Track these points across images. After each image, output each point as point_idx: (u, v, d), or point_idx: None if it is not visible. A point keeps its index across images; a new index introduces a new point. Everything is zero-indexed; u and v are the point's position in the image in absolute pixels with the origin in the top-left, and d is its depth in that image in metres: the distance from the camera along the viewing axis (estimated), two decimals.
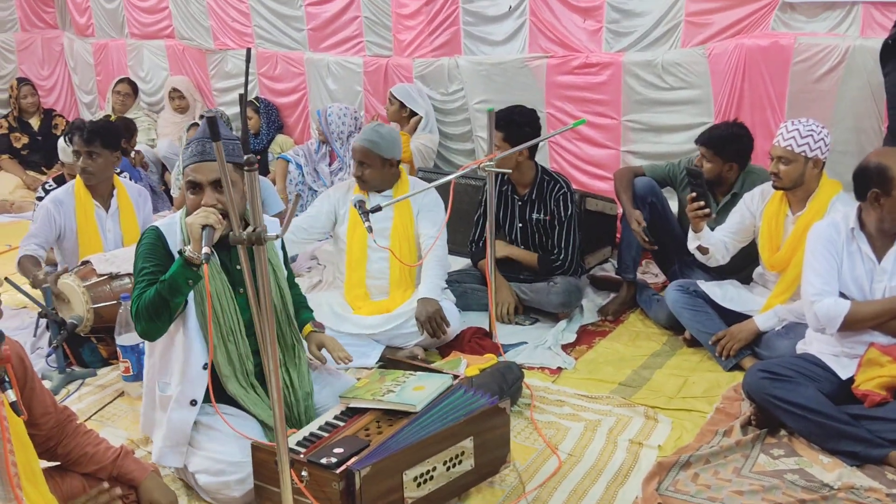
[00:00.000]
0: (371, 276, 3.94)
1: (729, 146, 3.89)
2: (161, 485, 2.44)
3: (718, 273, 3.98)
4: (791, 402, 2.90)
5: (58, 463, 2.37)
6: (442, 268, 3.93)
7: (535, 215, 4.23)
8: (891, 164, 2.89)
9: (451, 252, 4.10)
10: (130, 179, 5.07)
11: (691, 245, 3.79)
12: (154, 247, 2.72)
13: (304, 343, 3.00)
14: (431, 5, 5.58)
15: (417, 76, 5.78)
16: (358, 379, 3.06)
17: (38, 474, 2.10)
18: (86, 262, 3.80)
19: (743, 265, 3.90)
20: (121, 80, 7.20)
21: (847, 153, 4.26)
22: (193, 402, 2.70)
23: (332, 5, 6.12)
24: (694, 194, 3.62)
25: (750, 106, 4.55)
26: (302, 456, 2.45)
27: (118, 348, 3.48)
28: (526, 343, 3.93)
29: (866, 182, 2.95)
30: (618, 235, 4.80)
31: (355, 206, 3.50)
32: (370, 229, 3.39)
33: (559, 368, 3.70)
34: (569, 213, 4.17)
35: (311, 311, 3.17)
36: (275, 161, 6.10)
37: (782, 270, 3.61)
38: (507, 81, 5.33)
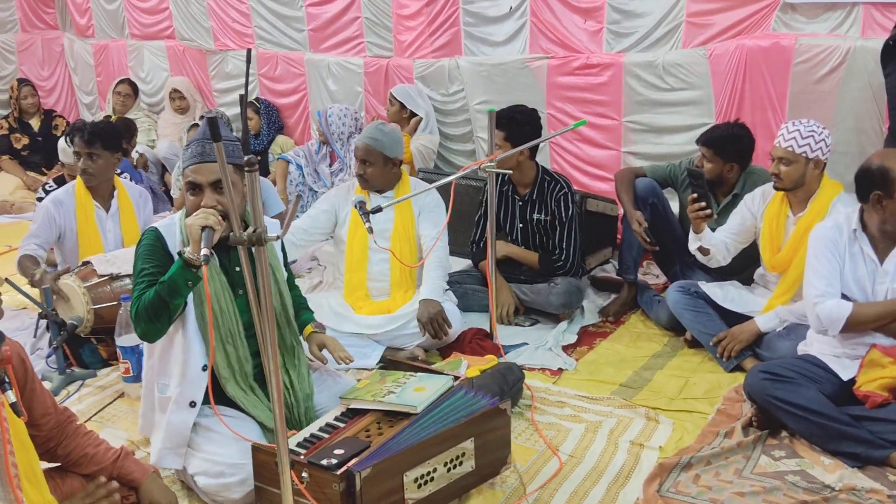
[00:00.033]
0: (372, 277, 3.94)
1: (730, 146, 3.89)
2: (161, 486, 2.44)
3: (719, 274, 3.98)
4: (792, 403, 2.90)
5: (58, 464, 2.37)
6: (443, 269, 3.93)
7: (535, 215, 4.23)
8: (893, 166, 2.88)
9: (451, 253, 4.09)
10: (131, 180, 5.06)
11: (692, 246, 3.78)
12: (153, 248, 2.72)
13: (304, 345, 2.99)
14: (432, 6, 5.58)
15: (418, 77, 5.78)
16: (358, 380, 3.06)
17: (38, 475, 2.10)
18: (86, 263, 3.80)
19: (744, 266, 3.90)
20: (121, 81, 7.20)
21: (848, 154, 4.26)
22: (192, 404, 2.70)
23: (332, 6, 6.12)
24: (695, 195, 3.61)
25: (751, 107, 4.55)
26: (302, 457, 2.45)
27: (118, 349, 3.48)
28: (527, 344, 3.93)
29: (868, 184, 2.94)
30: (619, 236, 4.80)
31: (356, 206, 3.50)
32: (371, 230, 3.39)
33: (560, 369, 3.69)
34: (570, 213, 4.17)
35: (312, 312, 3.16)
36: (275, 162, 6.10)
37: (783, 271, 3.61)
38: (508, 82, 5.33)
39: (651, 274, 4.74)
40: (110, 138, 4.06)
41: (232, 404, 2.74)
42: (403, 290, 3.92)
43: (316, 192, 5.70)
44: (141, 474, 2.38)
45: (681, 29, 4.76)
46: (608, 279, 4.67)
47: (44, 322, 3.85)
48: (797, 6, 4.41)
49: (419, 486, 2.49)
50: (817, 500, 2.62)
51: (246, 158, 2.02)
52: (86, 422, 3.06)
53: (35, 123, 7.47)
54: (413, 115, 5.69)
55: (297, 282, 3.28)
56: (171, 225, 2.78)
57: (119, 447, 2.42)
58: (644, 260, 4.53)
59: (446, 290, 3.97)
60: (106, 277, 3.72)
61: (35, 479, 2.07)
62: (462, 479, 2.63)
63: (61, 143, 5.01)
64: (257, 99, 6.55)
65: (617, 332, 4.09)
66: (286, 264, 3.06)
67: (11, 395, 1.99)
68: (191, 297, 2.65)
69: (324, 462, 2.40)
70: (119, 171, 4.33)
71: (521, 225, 4.28)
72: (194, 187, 2.67)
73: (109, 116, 6.87)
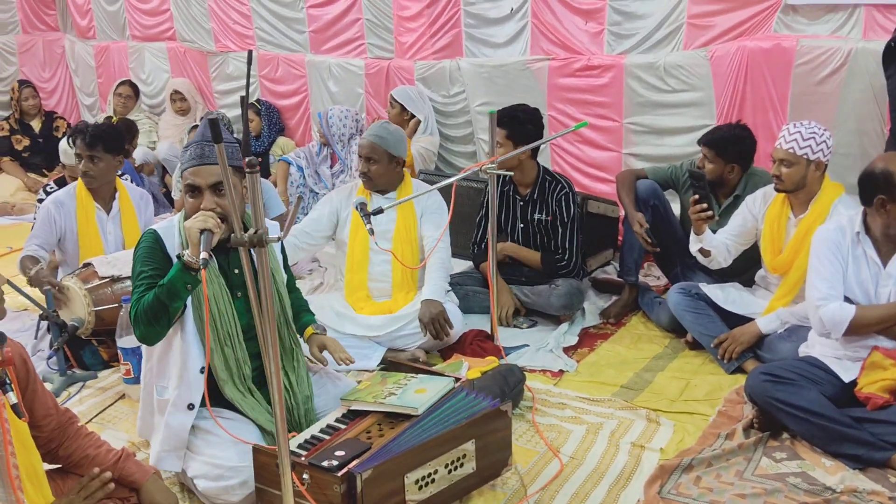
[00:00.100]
0: (373, 278, 3.94)
1: (731, 147, 3.89)
2: (162, 487, 2.44)
3: (720, 276, 3.98)
4: (793, 404, 2.90)
5: (59, 465, 2.37)
6: (445, 270, 3.92)
7: (536, 215, 4.22)
8: None
9: (452, 254, 4.09)
10: (131, 182, 5.06)
11: (693, 248, 3.78)
12: (152, 250, 2.71)
13: (303, 347, 2.99)
14: (433, 7, 5.58)
15: (419, 78, 5.78)
16: (359, 382, 3.05)
17: (40, 476, 2.10)
18: (87, 265, 3.80)
19: (745, 268, 3.90)
20: (122, 83, 7.20)
21: (849, 156, 4.26)
22: (191, 406, 2.69)
23: (333, 7, 6.12)
24: (696, 196, 3.61)
25: (752, 108, 4.55)
26: (303, 459, 2.45)
27: (119, 351, 3.48)
28: (527, 346, 3.93)
29: (872, 188, 2.94)
30: (619, 238, 4.80)
31: (357, 208, 3.50)
32: (371, 231, 3.39)
33: (561, 371, 3.69)
34: (572, 213, 4.17)
35: (313, 314, 3.16)
36: (276, 163, 6.10)
37: (784, 273, 3.61)
38: (509, 84, 5.33)
39: (652, 275, 4.74)
40: (112, 141, 4.06)
41: (231, 407, 2.74)
42: (405, 292, 3.92)
43: (317, 193, 5.70)
44: (142, 476, 2.38)
45: (682, 30, 4.76)
46: (609, 281, 4.67)
47: (45, 324, 3.85)
48: (798, 8, 4.41)
49: (420, 487, 2.49)
50: (818, 502, 2.62)
51: (248, 160, 2.01)
52: (87, 423, 3.06)
53: (36, 125, 7.47)
54: (414, 117, 5.69)
55: (298, 283, 3.28)
56: (171, 227, 2.78)
57: (120, 449, 2.42)
58: (645, 262, 4.53)
59: (448, 290, 3.97)
60: (107, 279, 3.72)
61: (37, 479, 2.07)
62: (463, 481, 2.63)
63: (62, 144, 5.01)
64: (258, 100, 6.55)
65: (618, 334, 4.09)
66: (286, 266, 3.06)
67: (13, 397, 1.99)
68: (190, 299, 2.65)
69: (325, 464, 2.40)
70: (120, 172, 4.33)
71: (521, 225, 4.28)
72: (193, 189, 2.67)
73: (111, 118, 6.87)
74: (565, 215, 4.17)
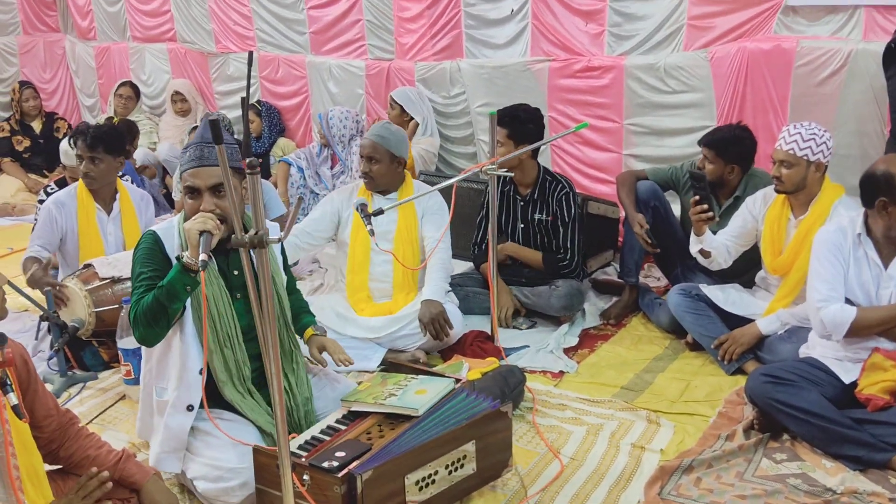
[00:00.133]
0: (374, 279, 3.94)
1: (731, 148, 3.89)
2: (163, 488, 2.44)
3: (721, 277, 3.98)
4: (794, 406, 2.90)
5: (59, 466, 2.37)
6: (445, 271, 3.93)
7: (537, 216, 4.22)
8: None
9: (453, 255, 4.09)
10: (132, 183, 5.06)
11: (693, 249, 3.78)
12: (151, 251, 2.71)
13: (303, 348, 2.99)
14: (433, 9, 5.58)
15: (419, 80, 5.78)
16: (359, 383, 3.05)
17: (41, 477, 2.10)
18: (88, 266, 3.80)
19: (745, 269, 3.90)
20: (123, 84, 7.20)
21: (850, 157, 4.26)
22: (190, 408, 2.69)
23: (333, 8, 6.12)
24: (697, 197, 3.61)
25: (752, 109, 4.55)
26: (304, 460, 2.45)
27: (119, 352, 3.48)
28: (528, 347, 3.93)
29: (873, 190, 2.94)
30: (620, 239, 4.80)
31: (357, 209, 3.50)
32: (372, 233, 3.39)
33: (561, 372, 3.69)
34: (573, 213, 4.17)
35: (313, 315, 3.16)
36: (276, 164, 6.10)
37: (785, 274, 3.61)
38: (509, 85, 5.33)
39: (652, 277, 4.74)
40: (113, 142, 4.06)
41: (230, 408, 2.74)
42: (405, 292, 3.92)
43: (317, 194, 5.71)
44: (142, 476, 2.38)
45: (682, 32, 4.76)
46: (609, 282, 4.67)
47: (45, 324, 3.86)
48: (799, 9, 4.41)
49: (420, 488, 2.49)
50: None
51: (248, 161, 2.01)
52: (87, 424, 3.06)
53: (37, 126, 7.48)
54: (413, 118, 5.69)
55: (298, 284, 3.28)
56: (170, 228, 2.78)
57: (120, 450, 2.42)
58: (645, 263, 4.53)
59: (448, 291, 3.97)
60: (107, 280, 3.72)
61: (38, 480, 2.07)
62: (463, 482, 2.63)
63: (63, 145, 5.01)
64: (259, 101, 6.55)
65: (618, 335, 4.09)
66: (286, 268, 3.06)
67: (13, 398, 1.99)
68: (189, 300, 2.64)
69: (325, 464, 2.40)
70: (120, 173, 4.33)
71: (522, 226, 4.28)
72: (192, 191, 2.66)
73: (112, 118, 6.87)
74: (566, 215, 4.17)
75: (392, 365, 3.30)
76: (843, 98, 4.25)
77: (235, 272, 2.76)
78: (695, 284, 3.90)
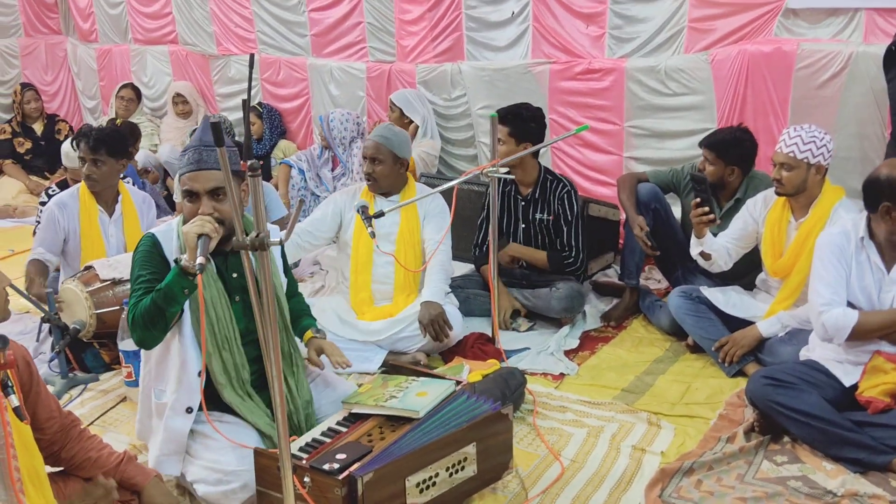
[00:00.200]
0: (376, 280, 3.94)
1: (732, 150, 3.90)
2: (164, 490, 2.45)
3: (721, 279, 3.98)
4: (794, 408, 2.90)
5: (61, 468, 2.37)
6: (445, 272, 3.93)
7: (538, 215, 4.22)
8: None
9: (454, 257, 4.09)
10: (133, 185, 5.07)
11: (694, 251, 3.78)
12: (150, 254, 2.71)
13: (302, 351, 2.99)
14: (434, 11, 5.59)
15: (420, 82, 5.79)
16: (360, 385, 3.05)
17: (43, 479, 2.10)
18: (89, 268, 3.80)
19: (746, 271, 3.90)
20: (124, 86, 7.22)
21: (850, 159, 4.26)
22: (189, 410, 2.69)
23: (335, 11, 6.13)
24: (698, 199, 3.61)
25: (753, 112, 4.55)
26: (304, 462, 2.45)
27: (120, 353, 3.48)
28: (529, 349, 3.93)
29: (877, 195, 2.93)
30: (621, 241, 4.81)
31: (358, 211, 3.50)
32: (373, 235, 3.39)
33: (562, 374, 3.69)
34: (575, 211, 4.17)
35: (314, 318, 3.15)
36: (277, 166, 6.10)
37: (785, 277, 3.61)
38: (510, 87, 5.33)
39: (653, 279, 4.74)
40: (115, 144, 4.07)
41: (230, 410, 2.73)
42: (406, 294, 3.92)
43: (318, 196, 5.71)
44: (143, 478, 2.38)
45: (683, 34, 4.77)
46: (610, 284, 4.67)
47: (46, 326, 3.86)
48: (799, 11, 4.41)
49: (421, 490, 2.49)
50: None
51: (249, 163, 2.01)
52: (88, 426, 3.07)
53: (38, 128, 7.49)
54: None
55: (299, 285, 3.28)
56: (169, 231, 2.78)
57: (122, 452, 2.42)
58: (646, 265, 4.53)
59: (448, 293, 3.97)
60: (108, 282, 3.72)
61: (39, 482, 2.07)
62: (464, 484, 2.63)
63: (65, 147, 5.02)
64: (260, 103, 6.56)
65: (619, 337, 4.09)
66: (287, 271, 3.06)
67: (14, 399, 1.99)
68: (187, 303, 2.64)
69: (326, 467, 2.40)
70: (122, 175, 4.34)
71: (523, 226, 4.28)
72: (191, 195, 2.66)
73: (114, 120, 6.88)
74: (568, 213, 4.17)
75: (393, 367, 3.30)
76: (843, 101, 4.26)
77: (234, 275, 2.76)
78: (695, 287, 3.91)
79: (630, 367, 3.75)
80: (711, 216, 3.61)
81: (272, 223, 3.60)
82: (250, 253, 2.14)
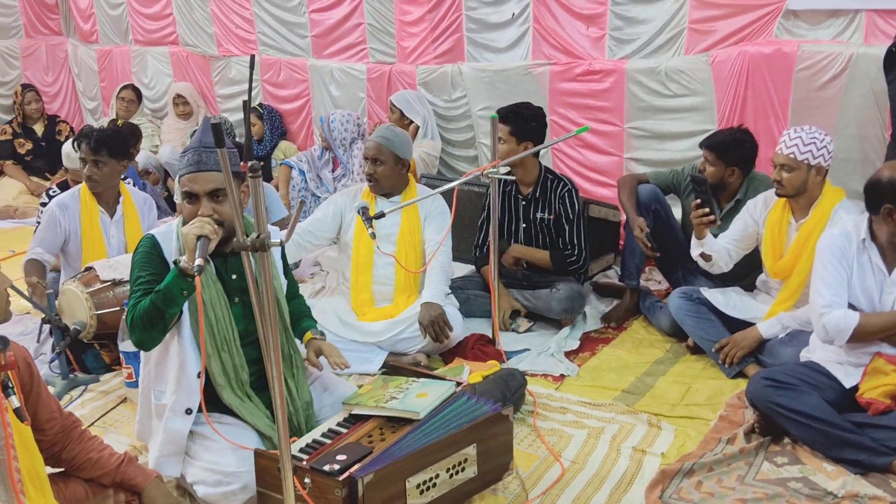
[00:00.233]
0: (377, 281, 3.94)
1: (732, 151, 3.90)
2: (164, 491, 2.44)
3: (722, 280, 3.98)
4: (794, 410, 2.90)
5: (62, 469, 2.37)
6: (446, 273, 3.93)
7: (539, 214, 4.22)
8: None
9: (454, 258, 4.10)
10: (134, 185, 5.07)
11: (694, 252, 3.79)
12: (149, 255, 2.71)
13: (302, 353, 2.99)
14: (435, 12, 5.59)
15: (421, 83, 5.79)
16: (360, 386, 3.05)
17: (43, 480, 2.10)
18: (89, 269, 3.80)
19: (746, 272, 3.90)
20: (125, 87, 7.22)
21: (850, 160, 4.26)
22: (189, 411, 2.69)
23: (335, 12, 6.14)
24: (698, 200, 3.61)
25: (753, 113, 4.55)
26: (305, 463, 2.45)
27: (121, 354, 3.48)
28: (529, 350, 3.93)
29: (878, 197, 2.93)
30: (621, 242, 4.81)
31: (359, 212, 3.50)
32: (374, 236, 3.39)
33: (562, 375, 3.69)
34: (576, 210, 4.17)
35: (314, 320, 3.14)
36: (278, 167, 6.11)
37: (785, 278, 3.61)
38: (511, 88, 5.33)
39: (653, 280, 4.74)
40: (117, 145, 4.07)
41: (229, 412, 2.73)
42: (407, 295, 3.92)
43: (319, 197, 5.72)
44: (144, 479, 2.38)
45: (683, 35, 4.77)
46: (610, 285, 4.67)
47: (47, 327, 3.86)
48: (800, 13, 4.41)
49: (421, 492, 2.49)
50: None
51: (250, 164, 2.01)
52: (88, 427, 3.07)
53: (39, 129, 7.49)
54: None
55: (300, 287, 3.28)
56: (169, 232, 2.77)
57: (122, 452, 2.42)
58: (646, 266, 4.53)
59: (448, 294, 3.98)
60: (109, 283, 3.72)
61: (39, 483, 2.07)
62: (464, 486, 2.63)
63: (65, 147, 5.02)
64: (260, 104, 6.56)
65: (619, 338, 4.09)
66: (288, 272, 3.06)
67: (15, 400, 1.99)
68: (186, 304, 2.64)
69: (326, 468, 2.40)
70: (123, 176, 4.34)
71: (524, 225, 4.28)
72: (190, 196, 2.66)
73: (116, 121, 6.88)
74: (570, 212, 4.17)
75: (393, 368, 3.30)
76: (843, 102, 4.26)
77: (233, 276, 2.76)
78: (696, 288, 3.91)
79: (630, 368, 3.75)
80: (712, 217, 3.61)
81: (272, 224, 3.61)
82: (250, 254, 2.13)
